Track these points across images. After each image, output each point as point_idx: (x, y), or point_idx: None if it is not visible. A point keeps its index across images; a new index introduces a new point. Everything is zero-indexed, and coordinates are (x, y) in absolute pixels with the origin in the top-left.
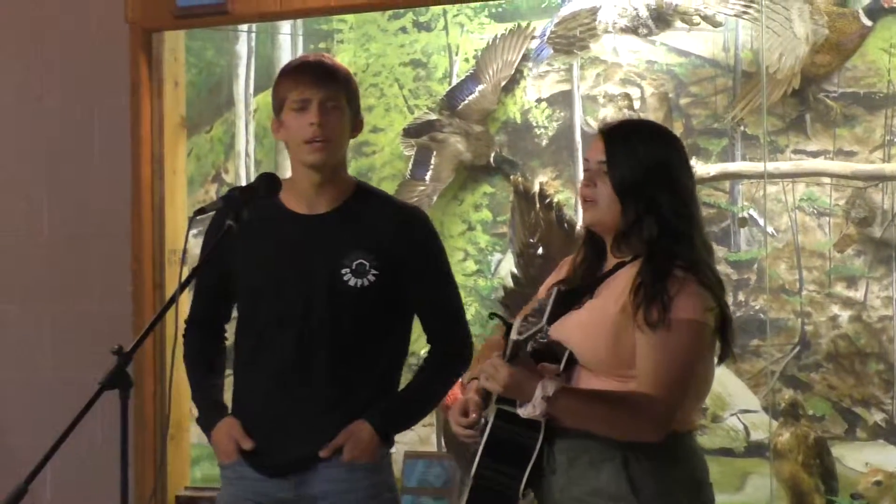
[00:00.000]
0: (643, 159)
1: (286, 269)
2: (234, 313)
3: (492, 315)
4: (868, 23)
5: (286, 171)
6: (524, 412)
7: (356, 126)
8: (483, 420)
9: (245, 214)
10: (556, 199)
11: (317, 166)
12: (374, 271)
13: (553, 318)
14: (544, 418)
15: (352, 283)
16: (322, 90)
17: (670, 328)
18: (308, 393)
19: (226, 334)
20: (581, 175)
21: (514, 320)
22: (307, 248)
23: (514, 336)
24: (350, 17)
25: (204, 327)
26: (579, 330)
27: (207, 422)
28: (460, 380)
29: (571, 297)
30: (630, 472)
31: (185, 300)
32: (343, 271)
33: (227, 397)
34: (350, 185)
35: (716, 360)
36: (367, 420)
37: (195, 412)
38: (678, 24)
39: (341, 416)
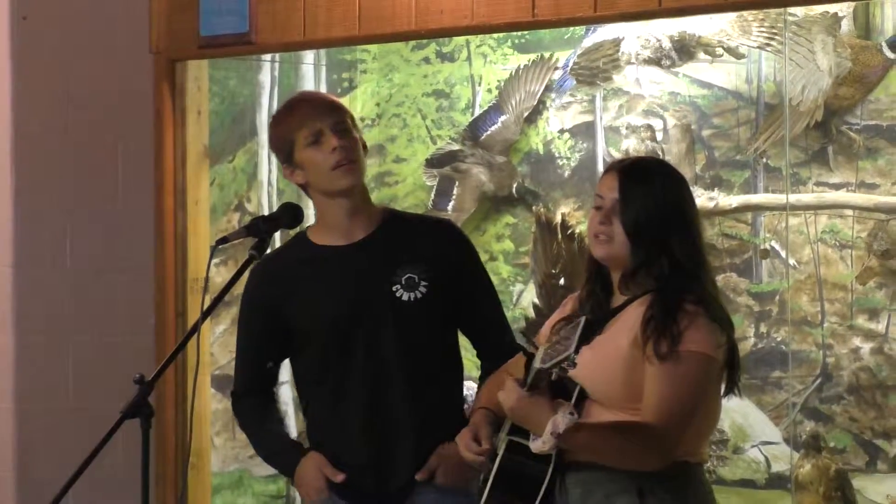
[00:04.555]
0: (659, 202)
1: (339, 304)
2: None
3: (517, 347)
4: (891, 56)
5: (309, 201)
6: (534, 446)
7: (363, 147)
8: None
9: (267, 245)
10: (578, 230)
11: (350, 189)
12: (424, 283)
13: (578, 347)
14: (554, 451)
15: (405, 297)
16: (329, 117)
17: (678, 360)
18: (390, 419)
19: (278, 400)
20: None
21: (538, 350)
22: (354, 276)
23: (537, 364)
24: (373, 48)
25: (253, 396)
26: (591, 365)
27: (288, 461)
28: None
29: (593, 328)
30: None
31: (207, 328)
32: (395, 288)
33: None
34: (380, 210)
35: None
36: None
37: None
38: (701, 55)
39: (424, 439)
